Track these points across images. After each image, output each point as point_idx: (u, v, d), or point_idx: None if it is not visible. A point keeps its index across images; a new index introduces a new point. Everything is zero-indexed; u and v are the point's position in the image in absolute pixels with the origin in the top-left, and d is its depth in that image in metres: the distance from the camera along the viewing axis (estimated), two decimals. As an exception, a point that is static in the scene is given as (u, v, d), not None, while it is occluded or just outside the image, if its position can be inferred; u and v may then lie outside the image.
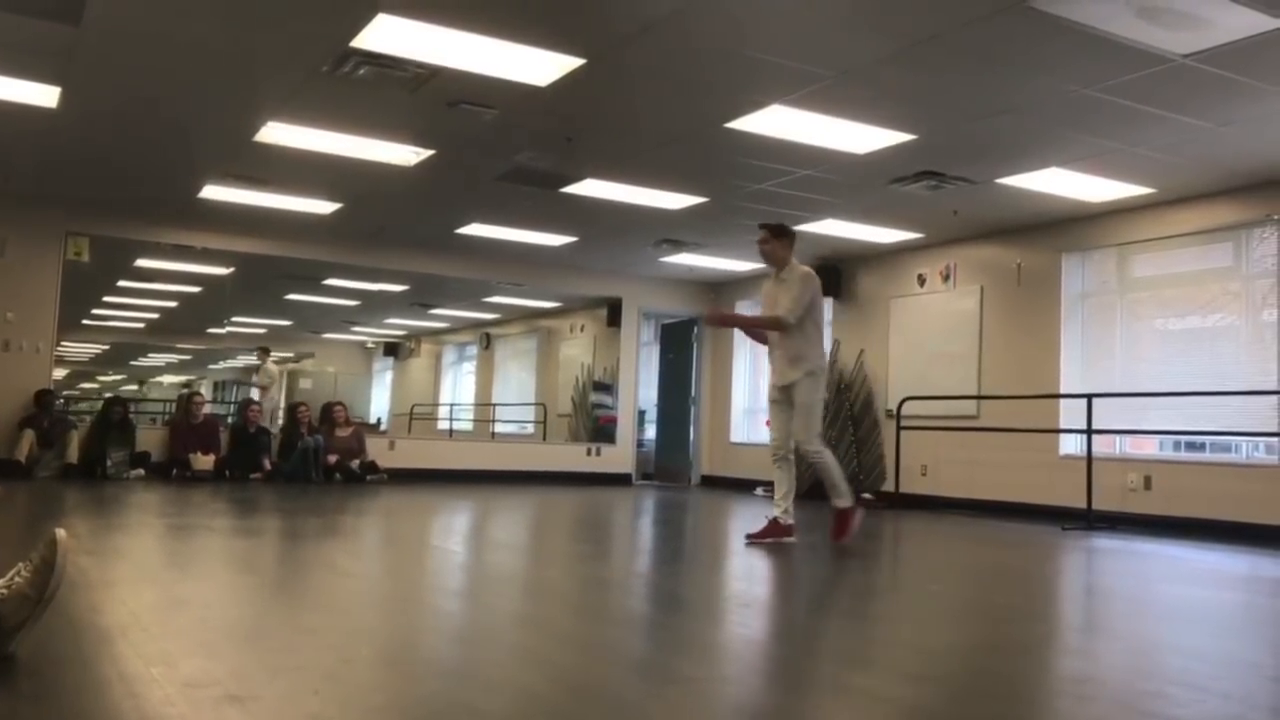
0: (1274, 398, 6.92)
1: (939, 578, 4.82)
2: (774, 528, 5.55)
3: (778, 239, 5.71)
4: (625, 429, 12.11)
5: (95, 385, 13.32)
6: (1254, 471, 7.16)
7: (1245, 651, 3.20)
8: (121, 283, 11.70)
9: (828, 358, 5.58)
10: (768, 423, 10.71)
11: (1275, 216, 7.09)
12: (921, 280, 9.81)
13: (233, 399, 13.45)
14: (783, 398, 5.59)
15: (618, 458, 12.00)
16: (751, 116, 6.05)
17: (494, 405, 14.36)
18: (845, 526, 5.56)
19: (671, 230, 9.41)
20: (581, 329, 13.26)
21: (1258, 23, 4.51)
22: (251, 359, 12.35)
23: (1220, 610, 4.06)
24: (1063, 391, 8.32)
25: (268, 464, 9.59)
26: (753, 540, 5.57)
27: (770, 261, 5.75)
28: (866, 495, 9.58)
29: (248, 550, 4.83)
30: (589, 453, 11.97)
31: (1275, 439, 6.97)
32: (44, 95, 6.17)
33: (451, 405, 15.08)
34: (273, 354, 12.12)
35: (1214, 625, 3.70)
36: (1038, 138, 6.30)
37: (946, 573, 5.01)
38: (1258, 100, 5.50)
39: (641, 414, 12.64)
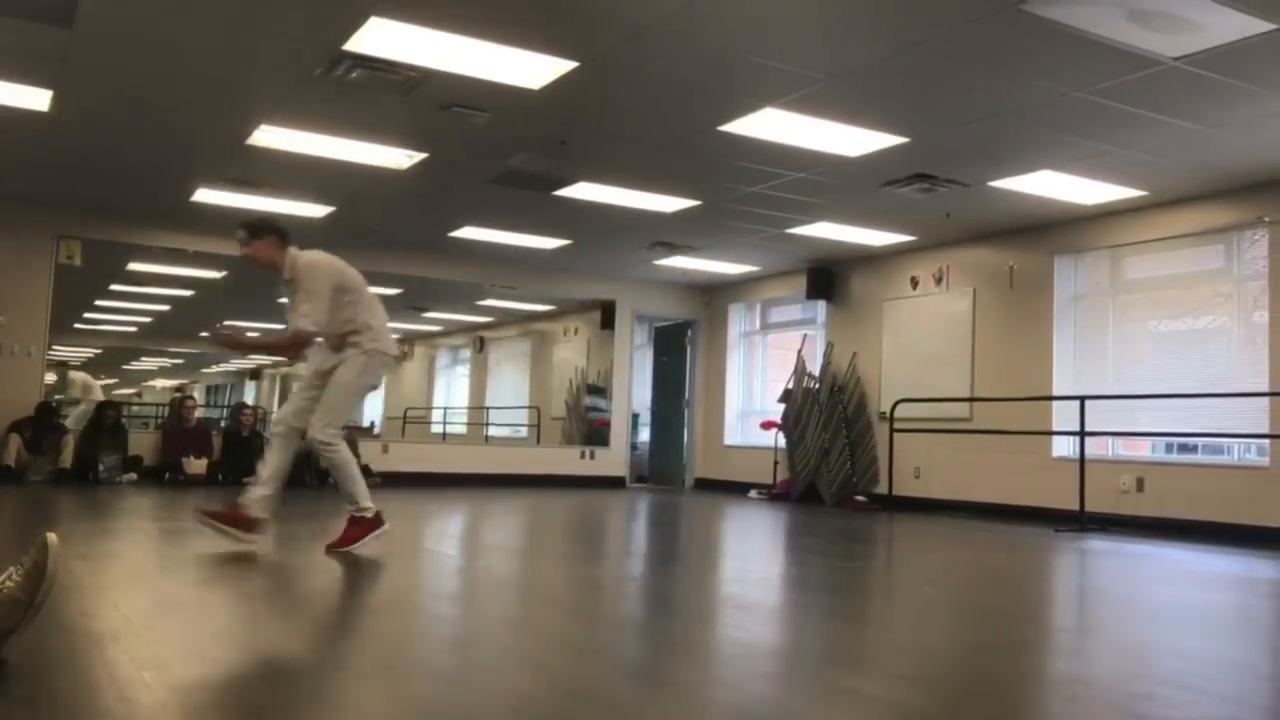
0: (1265, 399, 6.94)
1: (932, 580, 4.82)
2: (233, 515, 4.61)
3: (259, 238, 4.67)
4: (619, 432, 12.10)
5: (87, 389, 13.27)
6: (1246, 473, 7.18)
7: (1238, 653, 3.21)
8: (114, 286, 11.67)
9: (382, 338, 4.76)
10: (763, 425, 10.82)
11: (1266, 218, 7.12)
12: (914, 283, 9.83)
13: (226, 403, 13.42)
14: (320, 382, 4.70)
15: (611, 461, 12.00)
16: (744, 119, 6.06)
17: (487, 409, 14.35)
18: (353, 536, 4.61)
19: (665, 233, 9.42)
20: (575, 332, 13.25)
21: (1248, 25, 4.52)
22: (244, 363, 12.34)
23: (1213, 611, 4.07)
24: (1055, 394, 8.34)
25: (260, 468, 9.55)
26: (205, 518, 4.65)
27: (263, 267, 4.70)
28: (860, 498, 9.60)
29: (241, 554, 4.81)
30: (583, 456, 11.96)
31: (1267, 440, 6.98)
32: (36, 98, 6.15)
33: (445, 409, 15.06)
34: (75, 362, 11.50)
35: (1207, 626, 3.71)
36: (1030, 140, 6.32)
37: (940, 575, 5.02)
38: (1249, 103, 5.52)
39: (635, 417, 12.64)
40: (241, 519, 4.58)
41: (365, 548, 4.62)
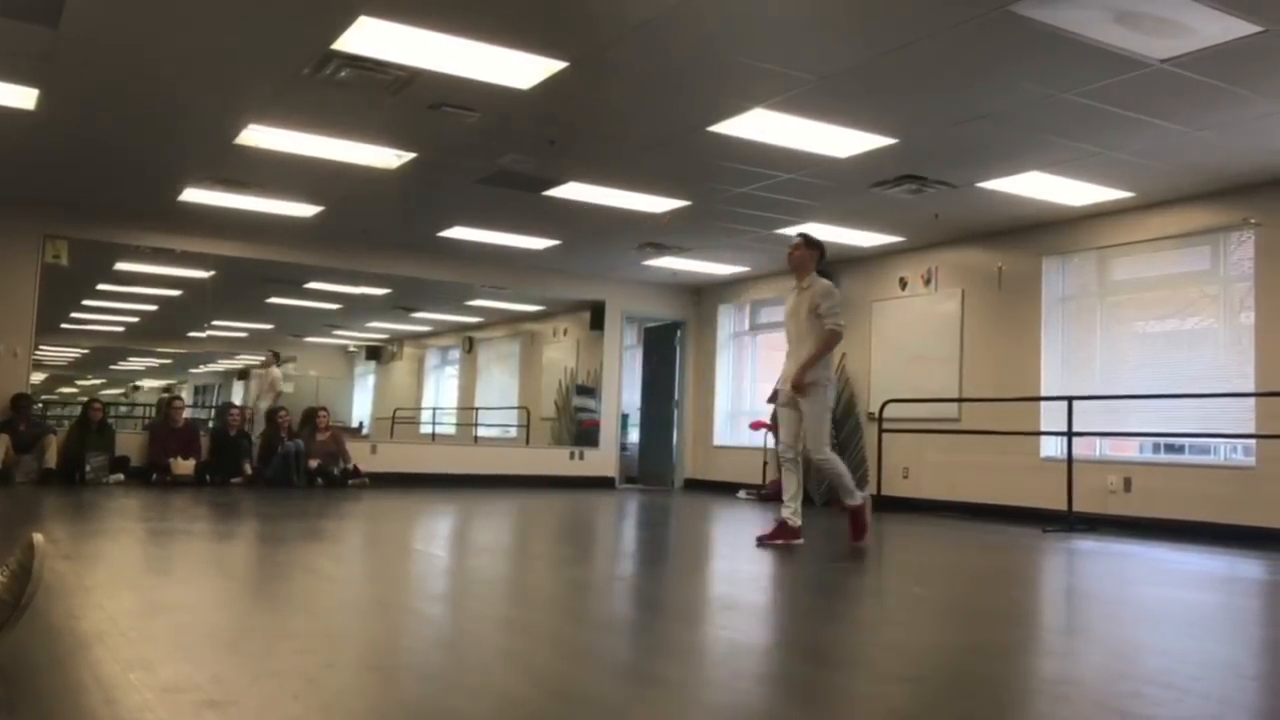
0: (1251, 400, 6.98)
1: (920, 580, 4.83)
2: (782, 530, 5.60)
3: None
4: (608, 432, 12.10)
5: (74, 389, 13.21)
6: (1232, 473, 7.21)
7: (1223, 652, 3.23)
8: (101, 286, 11.62)
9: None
10: (753, 425, 10.82)
11: (1252, 220, 7.15)
12: (903, 284, 9.85)
13: (213, 403, 13.37)
14: (791, 403, 5.66)
15: (601, 461, 11.99)
16: (734, 120, 6.07)
17: (477, 409, 14.33)
18: (862, 525, 5.73)
19: (654, 234, 9.42)
20: (564, 332, 13.24)
21: (1234, 28, 4.55)
22: (232, 363, 12.31)
23: (1198, 611, 4.09)
24: (1043, 394, 8.37)
25: (248, 468, 9.54)
26: (763, 542, 5.63)
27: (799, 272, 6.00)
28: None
29: (228, 555, 4.80)
30: (572, 456, 11.95)
31: (1252, 441, 7.02)
32: (22, 97, 6.12)
33: (434, 409, 15.03)
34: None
35: (1192, 626, 3.73)
36: (1018, 142, 6.34)
37: (928, 575, 5.03)
38: (1235, 105, 5.55)
39: (625, 417, 12.64)
40: (790, 531, 5.59)
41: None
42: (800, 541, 5.61)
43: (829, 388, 5.63)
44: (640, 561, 5.40)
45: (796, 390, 5.52)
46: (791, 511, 5.59)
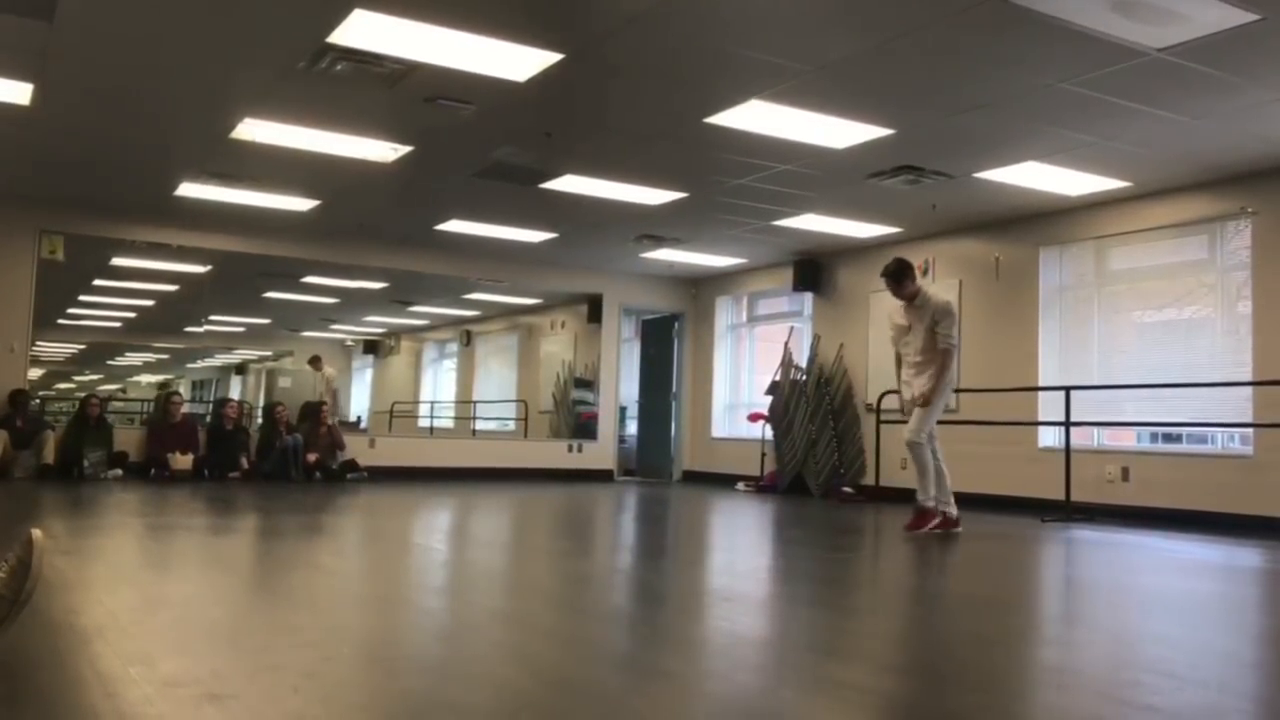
0: (1249, 389, 6.99)
1: (919, 570, 4.84)
2: (944, 519, 6.14)
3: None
4: (606, 425, 12.11)
5: (72, 385, 13.22)
6: (1229, 462, 7.22)
7: (1221, 640, 3.23)
8: (98, 281, 11.61)
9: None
10: (750, 417, 10.83)
11: (1249, 209, 7.15)
12: (901, 275, 9.83)
13: (211, 397, 13.37)
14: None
15: (599, 454, 12.00)
16: (730, 111, 6.05)
17: (475, 402, 14.33)
18: (918, 524, 6.09)
19: (651, 226, 9.41)
20: (562, 326, 13.24)
21: (1231, 17, 4.54)
22: (230, 358, 12.30)
23: (1197, 600, 4.10)
24: (1041, 384, 8.37)
25: (245, 463, 9.54)
26: (924, 529, 6.08)
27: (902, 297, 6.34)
28: (847, 489, 9.63)
29: (227, 549, 4.80)
30: (570, 449, 11.96)
31: (1250, 430, 7.03)
32: (17, 92, 6.10)
33: (432, 403, 15.04)
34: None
35: (1191, 614, 3.74)
36: (1015, 132, 6.34)
37: (927, 565, 5.04)
38: (1232, 94, 5.54)
39: (623, 410, 12.64)
40: (947, 521, 6.12)
41: (925, 536, 5.95)
42: (959, 529, 6.13)
43: (944, 392, 6.15)
44: (639, 554, 5.40)
45: (922, 406, 6.08)
46: (945, 502, 6.11)
